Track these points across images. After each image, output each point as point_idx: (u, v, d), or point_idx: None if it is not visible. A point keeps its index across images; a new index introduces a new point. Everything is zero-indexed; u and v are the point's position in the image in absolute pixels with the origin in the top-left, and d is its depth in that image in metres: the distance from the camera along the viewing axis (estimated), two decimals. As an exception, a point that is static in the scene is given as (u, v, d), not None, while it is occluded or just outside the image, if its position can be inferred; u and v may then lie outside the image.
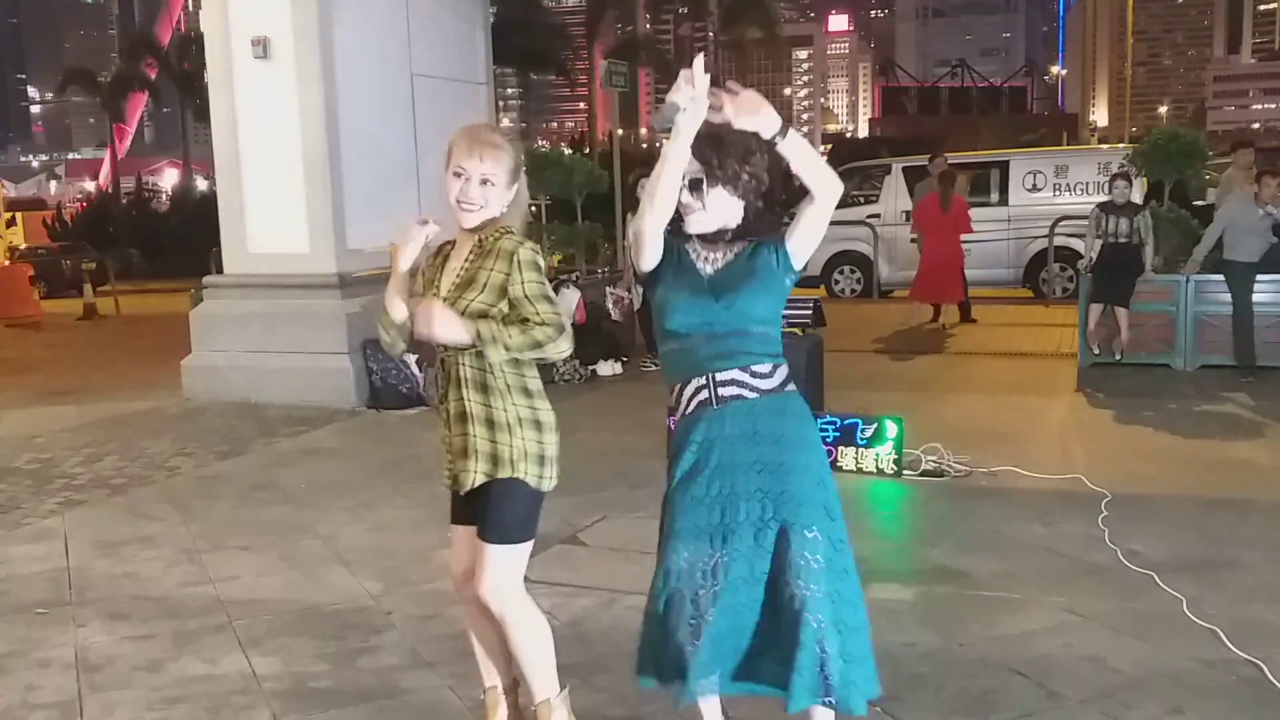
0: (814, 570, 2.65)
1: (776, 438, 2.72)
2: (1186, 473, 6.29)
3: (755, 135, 2.65)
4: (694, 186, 2.72)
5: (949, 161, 13.36)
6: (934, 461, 6.33)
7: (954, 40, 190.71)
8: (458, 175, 2.90)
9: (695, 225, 2.77)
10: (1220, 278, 9.09)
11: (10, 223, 27.54)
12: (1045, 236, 14.03)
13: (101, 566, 5.17)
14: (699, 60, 2.61)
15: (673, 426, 2.87)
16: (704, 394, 2.75)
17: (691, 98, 2.58)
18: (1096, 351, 9.58)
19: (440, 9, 10.36)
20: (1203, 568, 4.72)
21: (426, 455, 7.14)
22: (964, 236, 12.19)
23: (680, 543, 2.73)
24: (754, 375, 2.73)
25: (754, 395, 2.73)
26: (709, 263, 2.78)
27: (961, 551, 5.00)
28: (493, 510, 2.93)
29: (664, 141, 2.72)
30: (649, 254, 2.76)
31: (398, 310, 3.02)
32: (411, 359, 8.77)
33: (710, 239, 2.78)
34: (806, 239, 2.75)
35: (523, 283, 2.88)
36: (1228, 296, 8.99)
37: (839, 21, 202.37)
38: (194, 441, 7.77)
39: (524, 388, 2.96)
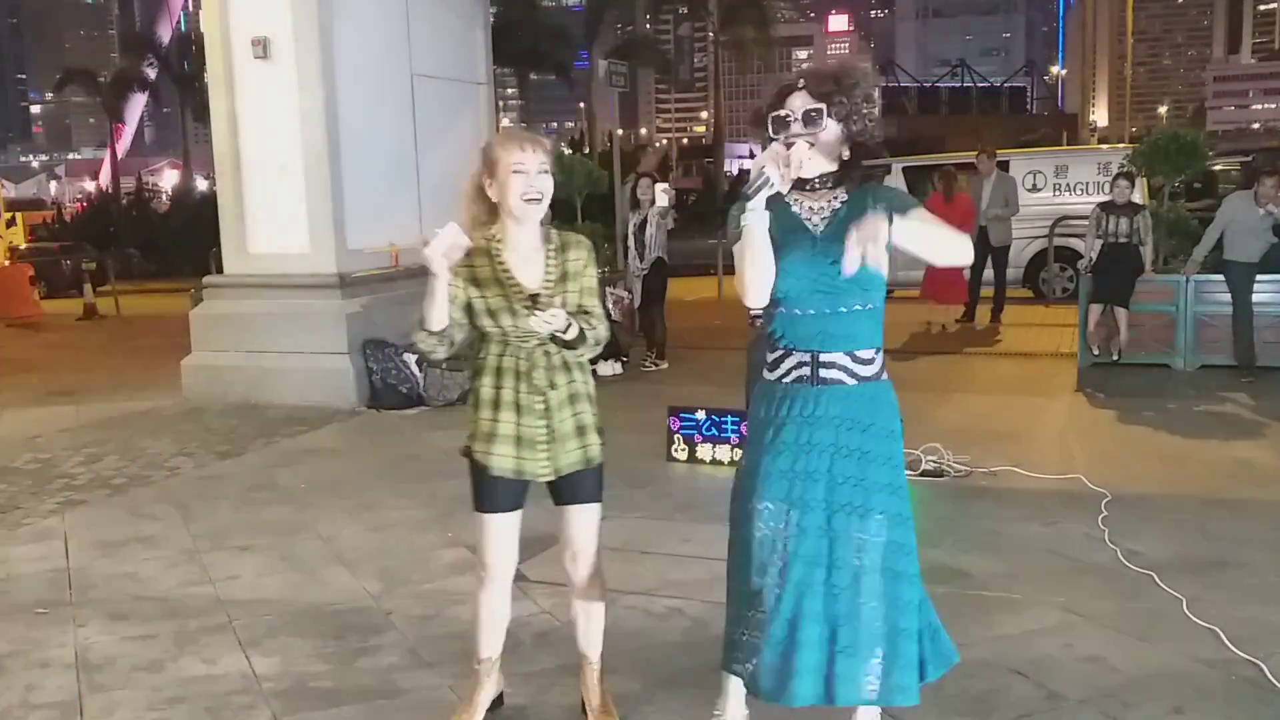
0: (877, 545, 2.71)
1: (866, 425, 2.74)
2: (1186, 473, 6.29)
3: (869, 80, 2.72)
4: (810, 119, 2.69)
5: (945, 162, 13.32)
6: (934, 461, 6.33)
7: (954, 40, 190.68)
8: (519, 171, 3.01)
9: (801, 169, 2.67)
10: (1220, 278, 9.08)
11: (10, 223, 27.52)
12: (1045, 237, 14.03)
13: (101, 566, 5.17)
14: (800, 147, 2.64)
15: (760, 378, 2.88)
16: (805, 370, 2.76)
17: (781, 176, 2.61)
18: (1096, 351, 9.58)
19: (440, 9, 10.36)
20: (1203, 568, 4.72)
21: (426, 455, 7.14)
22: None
23: (762, 513, 2.76)
24: (856, 360, 2.74)
25: (853, 382, 2.75)
26: (815, 213, 2.76)
27: (961, 551, 5.00)
28: (598, 477, 3.28)
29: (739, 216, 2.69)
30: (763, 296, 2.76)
31: (438, 320, 3.03)
32: (412, 359, 8.77)
33: (810, 186, 2.75)
34: (910, 241, 2.71)
35: (591, 276, 3.17)
36: (1228, 296, 8.99)
37: (839, 21, 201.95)
38: (194, 441, 7.77)
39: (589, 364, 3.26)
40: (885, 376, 2.81)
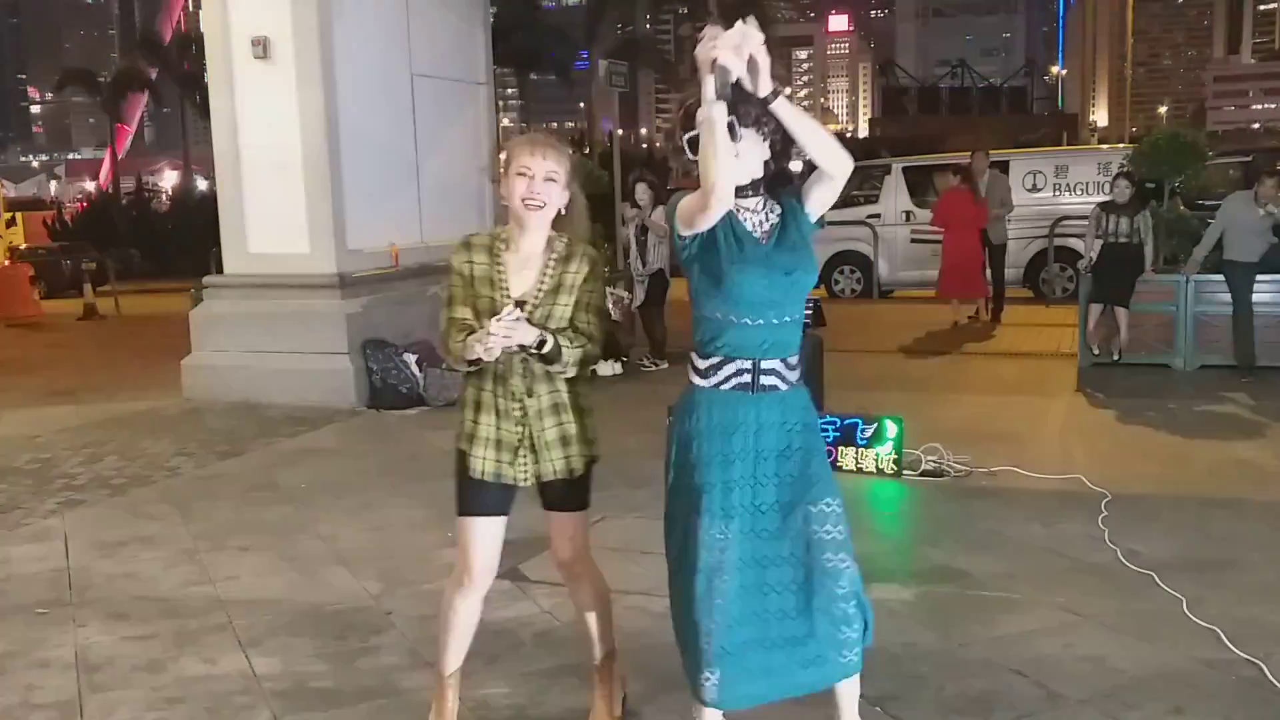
0: (838, 541, 2.81)
1: (800, 426, 2.85)
2: (1186, 473, 6.29)
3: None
4: (728, 131, 2.67)
5: (944, 161, 13.33)
6: (934, 461, 6.33)
7: (954, 40, 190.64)
8: (523, 175, 3.01)
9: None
10: (1220, 278, 9.08)
11: (10, 223, 27.52)
12: (1045, 237, 14.04)
13: (101, 566, 5.17)
14: (751, 25, 2.59)
15: (687, 387, 2.91)
16: (745, 377, 2.81)
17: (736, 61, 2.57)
18: (1096, 352, 9.58)
19: (440, 9, 10.36)
20: (1203, 568, 4.72)
21: (426, 455, 7.14)
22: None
23: (713, 520, 2.77)
24: (788, 367, 2.85)
25: (785, 387, 2.84)
26: (758, 227, 2.82)
27: (961, 551, 5.00)
28: (585, 487, 3.23)
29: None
30: (717, 214, 2.70)
31: (472, 353, 3.00)
32: (412, 359, 8.77)
33: (741, 191, 2.76)
34: (820, 205, 2.83)
35: (592, 291, 3.11)
36: (1228, 296, 8.99)
37: (839, 21, 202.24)
38: (194, 441, 7.77)
39: (588, 376, 3.22)
40: (802, 381, 2.93)
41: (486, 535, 3.18)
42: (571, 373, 3.07)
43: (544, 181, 3.00)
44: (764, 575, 2.79)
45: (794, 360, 2.86)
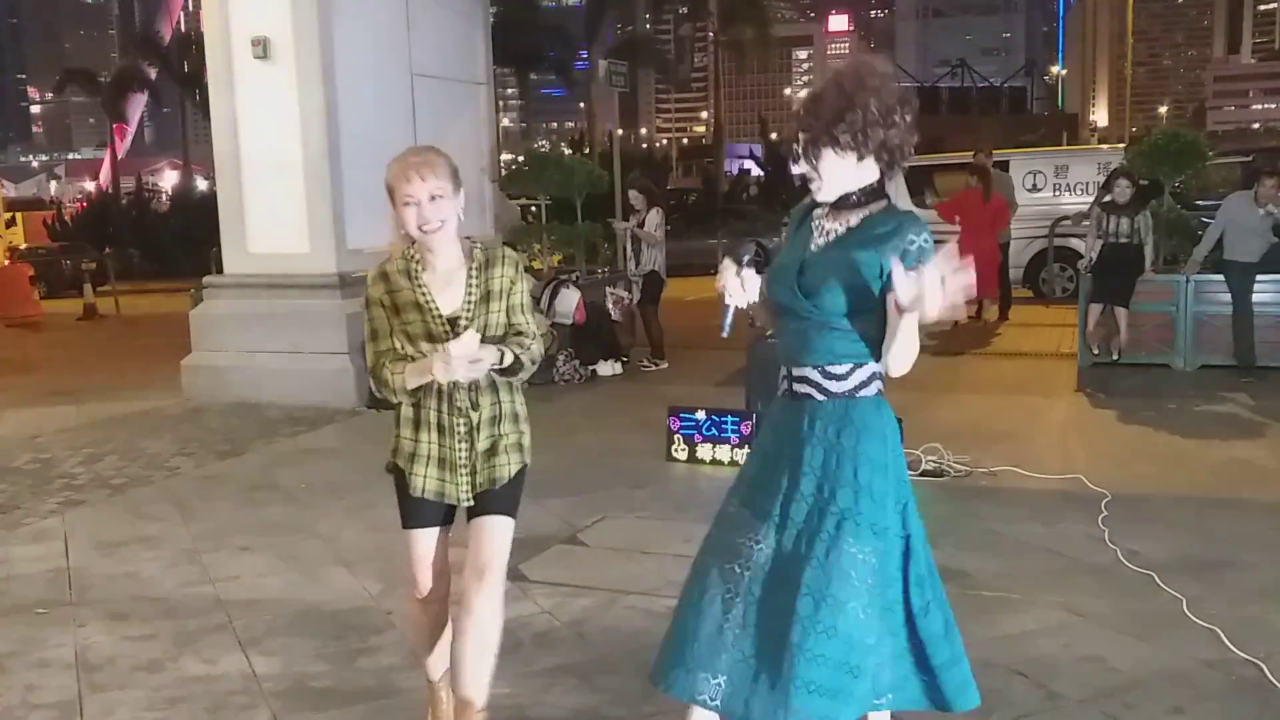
0: (855, 586, 2.54)
1: (830, 445, 2.61)
2: (1186, 473, 6.29)
3: (852, 93, 2.54)
4: (805, 155, 2.61)
5: (947, 161, 13.34)
6: (934, 461, 6.33)
7: (954, 40, 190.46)
8: (409, 204, 2.90)
9: (820, 194, 2.66)
10: (1220, 278, 9.09)
11: (10, 223, 27.53)
12: (1045, 237, 14.05)
13: (101, 566, 5.17)
14: (749, 274, 2.68)
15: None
16: (785, 384, 2.73)
17: (744, 299, 2.68)
18: (1096, 351, 9.58)
19: (440, 9, 10.37)
20: (1203, 568, 4.72)
21: (426, 455, 7.14)
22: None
23: (733, 514, 2.70)
24: (826, 375, 2.63)
25: (822, 398, 2.63)
26: (825, 234, 2.67)
27: (961, 551, 5.00)
28: (513, 495, 3.12)
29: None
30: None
31: (416, 382, 2.98)
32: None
33: (837, 205, 2.65)
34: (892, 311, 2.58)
35: (521, 293, 3.06)
36: (1228, 296, 8.99)
37: (839, 21, 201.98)
38: (194, 441, 7.77)
39: (524, 384, 3.16)
40: (865, 394, 2.63)
41: (432, 544, 3.15)
42: (525, 376, 3.06)
43: (431, 203, 2.89)
44: (770, 594, 2.58)
45: (839, 368, 2.62)
